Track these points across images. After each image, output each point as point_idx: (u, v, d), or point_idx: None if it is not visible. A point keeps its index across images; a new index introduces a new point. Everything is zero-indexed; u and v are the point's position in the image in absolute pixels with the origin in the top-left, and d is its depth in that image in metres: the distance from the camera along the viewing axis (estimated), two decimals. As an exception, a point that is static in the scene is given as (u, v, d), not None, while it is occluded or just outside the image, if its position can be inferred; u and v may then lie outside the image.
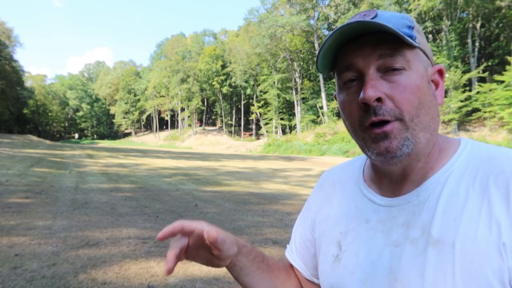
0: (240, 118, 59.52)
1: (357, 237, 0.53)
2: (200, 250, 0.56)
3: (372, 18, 0.46)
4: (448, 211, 0.44)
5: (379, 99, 0.45)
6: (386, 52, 0.46)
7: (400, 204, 0.50)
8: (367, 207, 0.53)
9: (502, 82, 21.95)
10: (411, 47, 0.46)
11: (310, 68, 45.73)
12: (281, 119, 46.15)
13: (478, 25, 28.36)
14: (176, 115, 68.52)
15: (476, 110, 25.29)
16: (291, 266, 0.69)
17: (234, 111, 60.63)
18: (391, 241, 0.48)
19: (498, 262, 0.39)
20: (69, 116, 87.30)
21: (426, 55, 0.49)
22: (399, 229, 0.48)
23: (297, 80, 44.39)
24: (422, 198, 0.48)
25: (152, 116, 74.68)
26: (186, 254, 0.57)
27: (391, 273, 0.47)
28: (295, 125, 43.17)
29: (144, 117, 78.68)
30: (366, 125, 0.47)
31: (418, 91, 0.46)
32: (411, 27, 0.47)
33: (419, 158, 0.49)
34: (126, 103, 76.73)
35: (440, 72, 0.51)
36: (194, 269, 3.24)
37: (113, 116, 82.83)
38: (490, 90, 23.44)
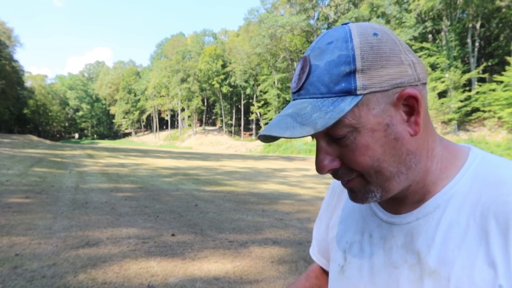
0: (240, 118, 59.53)
1: (361, 251, 0.52)
2: None
3: (306, 72, 0.44)
4: (447, 240, 0.42)
5: (334, 168, 0.45)
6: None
7: (400, 223, 0.48)
8: (371, 219, 0.53)
9: (502, 82, 21.95)
10: (354, 105, 0.42)
11: (310, 68, 45.64)
12: (281, 119, 46.06)
13: (478, 25, 28.36)
14: (176, 115, 68.52)
15: (475, 110, 25.29)
16: (318, 266, 0.72)
17: (234, 111, 60.64)
18: (390, 261, 0.48)
19: None
20: (69, 116, 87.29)
21: (384, 89, 0.42)
22: (398, 250, 0.47)
23: (297, 80, 44.37)
24: (421, 221, 0.46)
25: (152, 116, 74.68)
26: None
27: None
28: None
29: (144, 117, 78.68)
30: None
31: (368, 150, 0.43)
32: (350, 73, 0.41)
33: (407, 188, 0.47)
34: (126, 103, 76.74)
35: (414, 98, 0.43)
36: (194, 268, 3.24)
37: (113, 116, 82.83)
38: (490, 90, 23.45)
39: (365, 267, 0.51)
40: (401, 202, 0.49)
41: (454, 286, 0.40)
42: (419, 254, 0.45)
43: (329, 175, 0.67)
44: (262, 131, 0.44)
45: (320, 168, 0.45)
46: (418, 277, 0.44)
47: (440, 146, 0.47)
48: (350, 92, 0.42)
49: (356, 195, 0.47)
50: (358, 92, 0.41)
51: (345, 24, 0.46)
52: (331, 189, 0.67)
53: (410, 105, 0.43)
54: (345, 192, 0.61)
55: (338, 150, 0.45)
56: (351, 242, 0.54)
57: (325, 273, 0.70)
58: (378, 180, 0.44)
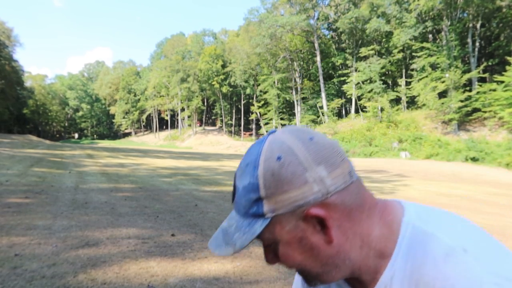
0: (240, 118, 59.52)
1: None
2: None
3: (233, 191, 0.54)
4: None
5: (276, 263, 0.54)
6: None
7: None
8: None
9: (502, 82, 21.94)
10: (267, 225, 0.49)
11: (310, 68, 45.71)
12: (281, 119, 46.12)
13: (478, 25, 28.35)
14: (176, 115, 68.50)
15: (476, 110, 25.28)
16: None
17: (234, 111, 60.63)
18: None
19: None
20: (69, 116, 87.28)
21: (290, 211, 0.48)
22: None
23: (297, 80, 44.38)
24: None
25: (152, 116, 74.67)
26: None
27: None
28: (295, 125, 43.09)
29: (144, 117, 78.66)
30: None
31: (288, 258, 0.51)
32: (257, 200, 0.48)
33: (356, 274, 0.52)
34: (126, 103, 76.71)
35: (318, 217, 0.48)
36: (194, 269, 3.24)
37: (113, 116, 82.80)
38: (490, 90, 23.43)
39: None
40: (360, 284, 0.54)
41: None
42: None
43: None
44: (209, 244, 0.55)
45: (266, 262, 0.54)
46: None
47: (379, 225, 0.50)
48: (260, 215, 0.49)
49: (304, 281, 0.55)
50: (267, 216, 0.48)
51: (270, 133, 0.52)
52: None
53: (318, 220, 0.48)
54: None
55: (275, 252, 0.52)
56: None
57: None
58: (310, 276, 0.52)
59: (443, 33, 29.20)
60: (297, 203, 0.47)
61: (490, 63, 29.09)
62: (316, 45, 39.63)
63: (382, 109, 32.73)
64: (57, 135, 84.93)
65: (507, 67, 21.90)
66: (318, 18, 41.16)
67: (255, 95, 52.80)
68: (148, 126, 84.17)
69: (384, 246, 0.50)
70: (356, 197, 0.49)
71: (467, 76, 26.52)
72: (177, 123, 68.66)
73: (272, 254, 0.53)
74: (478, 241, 0.45)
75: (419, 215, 0.50)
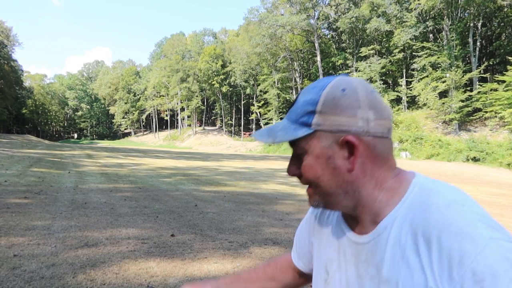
0: (240, 118, 59.51)
1: (339, 267, 0.64)
2: None
3: (293, 103, 0.62)
4: (394, 254, 0.54)
5: (295, 175, 0.62)
6: (291, 142, 0.61)
7: (363, 242, 0.60)
8: (344, 240, 0.64)
9: (503, 82, 21.90)
10: (307, 134, 0.58)
11: (310, 67, 45.70)
12: (281, 118, 45.41)
13: (479, 24, 28.30)
14: (176, 115, 68.49)
15: (477, 110, 25.26)
16: (288, 262, 0.87)
17: (234, 111, 60.60)
18: (358, 274, 0.60)
19: None
20: (68, 116, 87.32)
21: (332, 131, 0.56)
22: (363, 264, 0.59)
23: (297, 79, 44.37)
24: (376, 240, 0.57)
25: (152, 116, 74.66)
26: None
27: None
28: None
29: (143, 117, 78.66)
30: None
31: (311, 169, 0.59)
32: (312, 112, 0.57)
33: (359, 209, 0.60)
34: (125, 103, 76.69)
35: (351, 144, 0.56)
36: (194, 269, 3.21)
37: (112, 116, 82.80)
38: (491, 90, 23.40)
39: (343, 279, 0.63)
40: (360, 224, 0.61)
41: None
42: (377, 267, 0.56)
43: None
44: (254, 133, 0.65)
45: (287, 171, 0.63)
46: (377, 285, 0.56)
47: (393, 179, 0.59)
48: (307, 125, 0.58)
49: (309, 199, 0.63)
50: (312, 127, 0.58)
51: (340, 75, 0.61)
52: (311, 209, 0.79)
53: (350, 147, 0.56)
54: (323, 217, 0.74)
55: (300, 164, 0.61)
56: (331, 259, 0.67)
57: (296, 271, 0.84)
58: (320, 192, 0.60)
59: (444, 32, 29.18)
60: (341, 127, 0.56)
61: (491, 63, 29.07)
62: (316, 44, 39.60)
63: (382, 109, 32.64)
64: (56, 135, 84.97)
65: (508, 67, 21.86)
66: (318, 18, 41.13)
67: (255, 95, 52.77)
68: (147, 126, 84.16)
69: (391, 196, 0.58)
70: (384, 149, 0.58)
71: (468, 75, 26.49)
72: (177, 123, 68.66)
73: (296, 165, 0.62)
74: (474, 203, 0.53)
75: (427, 179, 0.58)
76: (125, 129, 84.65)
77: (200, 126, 66.96)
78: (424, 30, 30.80)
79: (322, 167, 0.58)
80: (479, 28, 28.40)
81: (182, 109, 63.78)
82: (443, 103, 27.38)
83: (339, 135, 0.56)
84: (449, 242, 0.47)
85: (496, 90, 22.57)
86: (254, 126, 56.13)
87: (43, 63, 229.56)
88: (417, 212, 0.53)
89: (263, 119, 49.49)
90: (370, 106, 0.57)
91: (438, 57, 27.57)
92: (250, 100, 55.70)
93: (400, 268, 0.52)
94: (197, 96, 61.14)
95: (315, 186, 0.60)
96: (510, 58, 22.39)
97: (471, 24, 28.22)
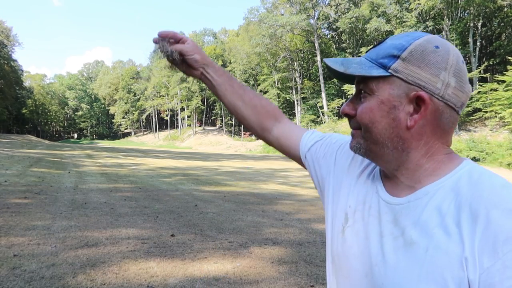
0: (240, 118, 59.32)
1: (361, 218, 0.63)
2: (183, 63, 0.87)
3: (377, 43, 0.60)
4: (429, 220, 0.53)
5: (348, 114, 0.61)
6: (359, 79, 0.60)
7: (394, 203, 0.59)
8: (374, 195, 0.63)
9: (503, 82, 21.88)
10: (381, 76, 0.56)
11: (310, 67, 45.68)
12: (281, 118, 46.01)
13: (479, 25, 28.29)
14: (176, 115, 68.46)
15: (477, 110, 25.23)
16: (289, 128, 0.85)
17: (234, 111, 60.50)
18: (380, 231, 0.59)
19: (459, 273, 0.48)
20: (68, 116, 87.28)
21: (408, 82, 0.55)
22: (388, 224, 0.58)
23: (297, 79, 44.35)
24: (411, 204, 0.56)
25: (152, 116, 74.63)
26: (173, 60, 0.86)
27: (374, 258, 0.58)
28: (295, 125, 43.05)
29: (143, 117, 78.61)
30: None
31: (370, 112, 0.57)
32: (395, 56, 0.55)
33: (400, 170, 0.59)
34: (125, 103, 76.65)
35: (422, 100, 0.54)
36: (194, 269, 3.22)
37: (112, 116, 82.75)
38: (491, 90, 23.38)
39: (361, 232, 0.61)
40: (397, 186, 0.60)
41: (430, 255, 0.51)
42: (403, 228, 0.55)
43: None
44: (327, 59, 0.62)
45: (342, 109, 0.63)
46: (401, 245, 0.54)
47: (444, 155, 0.58)
48: (385, 67, 0.56)
49: (351, 142, 0.63)
50: (389, 70, 0.56)
51: (438, 35, 0.59)
52: (345, 146, 0.75)
53: (418, 105, 0.55)
54: (355, 161, 0.71)
55: (357, 105, 0.60)
56: (354, 208, 0.65)
57: (287, 138, 0.83)
58: (367, 138, 0.59)
59: (443, 32, 29.18)
60: (418, 81, 0.54)
61: (491, 63, 29.05)
62: (316, 44, 39.59)
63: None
64: (56, 135, 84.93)
65: (508, 67, 21.84)
66: (318, 18, 41.11)
67: (255, 95, 52.69)
68: (147, 126, 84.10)
69: (438, 167, 0.57)
70: (448, 122, 0.56)
71: (468, 75, 26.49)
72: (177, 123, 68.62)
73: (353, 105, 0.61)
74: None
75: (479, 165, 0.57)
76: (125, 129, 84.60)
77: (200, 126, 66.93)
78: (424, 30, 30.79)
79: (382, 114, 0.57)
80: (479, 28, 28.40)
81: (182, 109, 63.74)
82: (443, 103, 27.39)
83: (413, 88, 0.55)
84: (499, 219, 0.47)
85: (496, 90, 22.54)
86: (254, 126, 55.97)
87: (43, 63, 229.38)
88: (467, 187, 0.52)
89: (263, 119, 49.38)
90: (455, 73, 0.55)
91: (438, 57, 27.58)
92: (250, 100, 55.63)
93: (433, 233, 0.51)
94: (197, 96, 61.12)
95: (365, 130, 0.58)
96: (510, 58, 22.36)
97: (471, 24, 28.22)
